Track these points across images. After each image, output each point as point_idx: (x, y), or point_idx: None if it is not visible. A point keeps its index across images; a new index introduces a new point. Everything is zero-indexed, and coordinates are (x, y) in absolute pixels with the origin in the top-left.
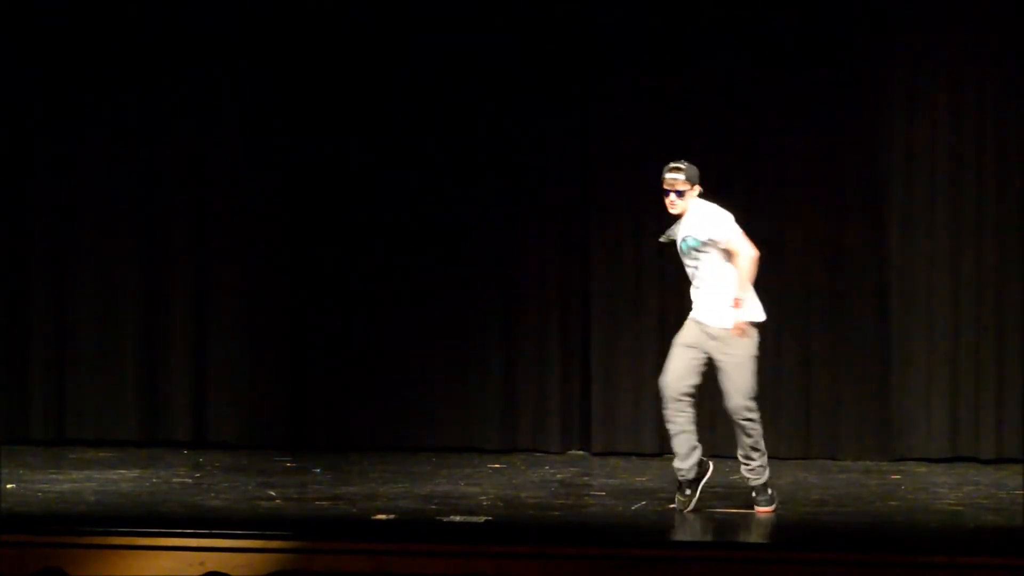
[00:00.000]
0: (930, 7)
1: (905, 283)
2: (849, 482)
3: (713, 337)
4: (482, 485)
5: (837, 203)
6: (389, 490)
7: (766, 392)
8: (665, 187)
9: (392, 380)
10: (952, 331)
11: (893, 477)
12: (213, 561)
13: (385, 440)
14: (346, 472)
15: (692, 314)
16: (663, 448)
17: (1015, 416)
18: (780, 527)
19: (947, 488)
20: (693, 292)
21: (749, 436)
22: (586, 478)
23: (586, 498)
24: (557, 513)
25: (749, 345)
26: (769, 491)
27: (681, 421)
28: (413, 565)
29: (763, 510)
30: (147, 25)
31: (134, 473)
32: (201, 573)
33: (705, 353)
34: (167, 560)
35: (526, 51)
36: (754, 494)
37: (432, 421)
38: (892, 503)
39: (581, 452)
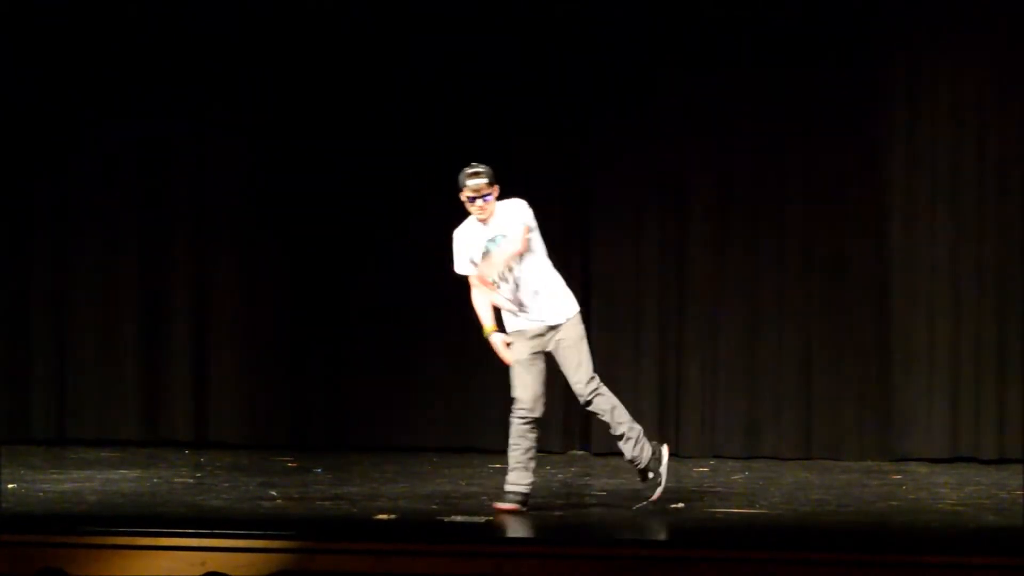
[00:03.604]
0: (930, 7)
1: (905, 283)
2: (849, 482)
3: (555, 329)
4: (482, 485)
5: (837, 203)
6: (390, 490)
7: (767, 392)
8: (471, 195)
9: (392, 380)
10: (952, 331)
11: (894, 477)
12: (214, 561)
13: (385, 440)
14: (347, 472)
15: (523, 325)
16: None
17: (1015, 416)
18: (780, 527)
19: (948, 488)
20: (521, 297)
21: (607, 413)
22: (587, 478)
23: (586, 498)
24: (557, 513)
25: (581, 324)
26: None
27: (535, 437)
28: (413, 565)
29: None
30: (147, 25)
31: (135, 473)
32: (202, 573)
33: (545, 354)
34: (168, 560)
35: (526, 51)
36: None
37: (432, 421)
38: (893, 503)
39: (581, 452)
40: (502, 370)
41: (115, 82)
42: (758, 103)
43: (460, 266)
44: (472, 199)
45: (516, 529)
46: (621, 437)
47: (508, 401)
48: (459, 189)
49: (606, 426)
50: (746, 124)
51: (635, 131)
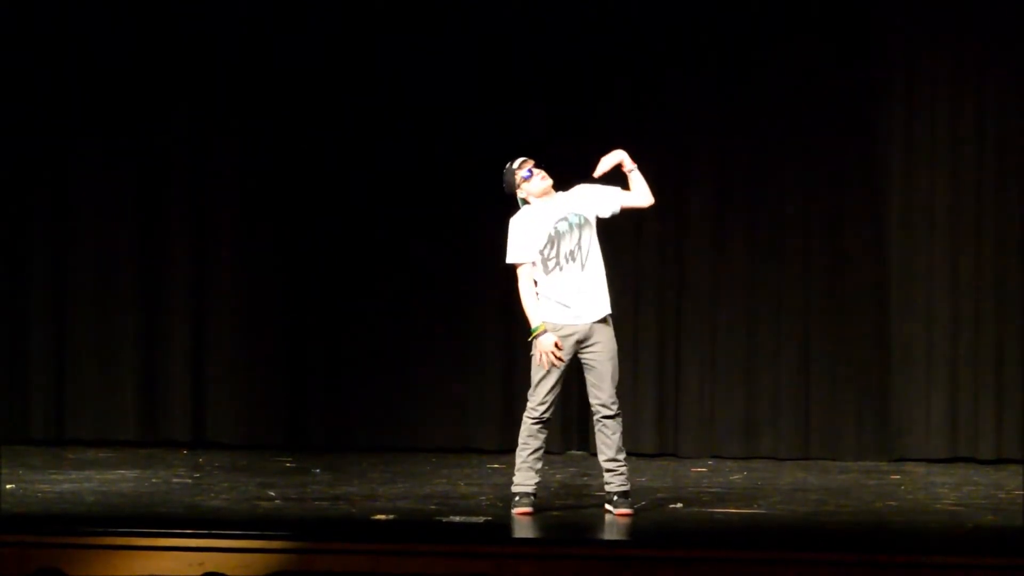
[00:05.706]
0: (930, 7)
1: (905, 283)
2: (848, 482)
3: (594, 331)
4: (481, 485)
5: (837, 203)
6: (388, 490)
7: (765, 392)
8: (528, 167)
9: (391, 380)
10: (951, 331)
11: (892, 477)
12: (212, 561)
13: (385, 440)
14: (345, 472)
15: (566, 320)
16: (662, 448)
17: (1014, 416)
18: (780, 527)
19: (946, 488)
20: (575, 283)
21: (616, 433)
22: (586, 478)
23: (586, 498)
24: (557, 513)
25: (614, 336)
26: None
27: (544, 438)
28: (413, 565)
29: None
30: (146, 25)
31: (133, 473)
32: (200, 573)
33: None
34: (167, 560)
35: (525, 51)
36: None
37: (431, 421)
38: (892, 503)
39: (581, 452)
40: (501, 371)
41: (115, 81)
42: (758, 103)
43: (519, 253)
44: (531, 170)
45: (515, 529)
46: (613, 463)
47: (506, 402)
48: (512, 182)
49: (604, 447)
50: (746, 124)
51: (634, 130)
